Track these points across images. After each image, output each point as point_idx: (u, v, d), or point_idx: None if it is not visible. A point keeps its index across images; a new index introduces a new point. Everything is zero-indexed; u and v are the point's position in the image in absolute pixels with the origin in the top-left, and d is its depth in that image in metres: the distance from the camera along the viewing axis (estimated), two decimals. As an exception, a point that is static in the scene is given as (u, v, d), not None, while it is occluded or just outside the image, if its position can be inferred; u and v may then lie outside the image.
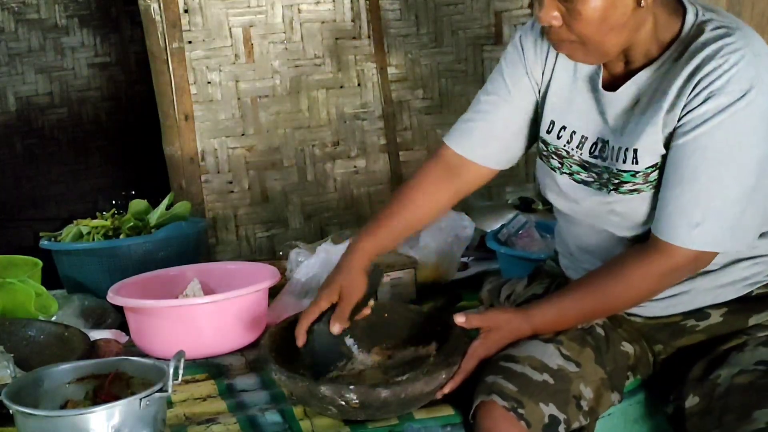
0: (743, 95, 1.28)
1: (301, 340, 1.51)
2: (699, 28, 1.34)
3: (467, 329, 1.56)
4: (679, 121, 1.33)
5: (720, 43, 1.30)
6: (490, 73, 1.62)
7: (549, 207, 2.29)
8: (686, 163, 1.32)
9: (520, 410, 1.35)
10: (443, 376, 1.43)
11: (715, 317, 1.49)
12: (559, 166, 1.51)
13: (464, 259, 2.40)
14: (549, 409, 1.37)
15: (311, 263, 2.10)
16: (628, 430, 1.59)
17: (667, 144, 1.36)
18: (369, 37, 3.25)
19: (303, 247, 2.30)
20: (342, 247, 2.14)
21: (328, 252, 2.10)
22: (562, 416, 1.37)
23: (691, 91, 1.31)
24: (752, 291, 1.48)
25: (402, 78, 3.32)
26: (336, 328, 1.51)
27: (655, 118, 1.36)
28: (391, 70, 3.29)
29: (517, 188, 3.30)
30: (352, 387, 1.39)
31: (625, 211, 1.44)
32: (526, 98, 1.56)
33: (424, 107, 3.36)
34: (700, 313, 1.50)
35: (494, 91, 1.58)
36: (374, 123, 3.31)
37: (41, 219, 4.96)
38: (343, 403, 1.38)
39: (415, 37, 3.32)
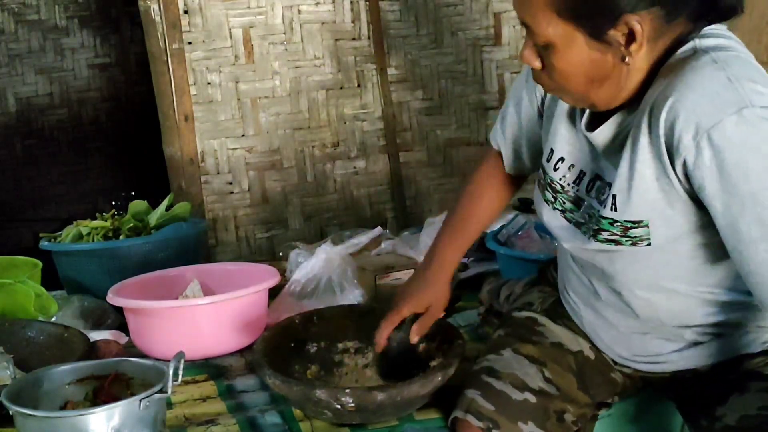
0: (735, 123, 1.11)
1: (380, 346, 1.51)
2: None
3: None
4: (686, 178, 1.17)
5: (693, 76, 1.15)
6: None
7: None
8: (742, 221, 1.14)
9: (495, 431, 1.34)
10: (439, 379, 1.42)
11: (704, 369, 1.42)
12: (553, 200, 1.41)
13: (464, 260, 2.40)
14: (528, 428, 1.36)
15: (311, 264, 2.10)
16: (627, 430, 1.59)
17: (673, 202, 1.21)
18: (369, 38, 3.25)
19: (303, 248, 2.30)
20: (341, 248, 2.15)
21: (328, 253, 2.10)
22: None
23: (670, 138, 1.16)
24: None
25: (402, 79, 3.32)
26: (416, 339, 1.52)
27: (638, 166, 1.21)
28: (390, 71, 3.29)
29: (517, 189, 3.30)
30: (347, 390, 1.38)
31: (603, 266, 1.34)
32: (536, 111, 1.49)
33: (423, 108, 3.36)
34: (688, 371, 1.43)
35: (516, 96, 1.52)
36: (374, 124, 3.30)
37: (41, 220, 4.96)
38: (338, 406, 1.37)
39: (415, 38, 3.32)
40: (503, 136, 1.56)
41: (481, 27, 3.37)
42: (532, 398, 1.38)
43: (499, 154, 1.59)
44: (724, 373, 1.39)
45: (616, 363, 1.49)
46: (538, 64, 1.24)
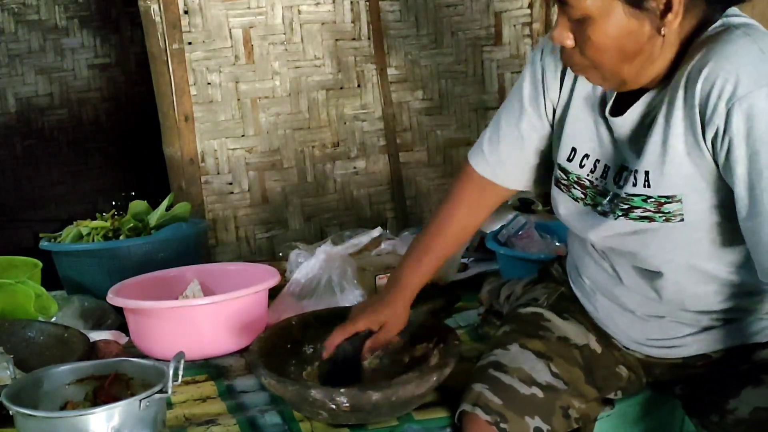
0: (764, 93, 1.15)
1: (328, 352, 1.51)
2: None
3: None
4: (713, 148, 1.20)
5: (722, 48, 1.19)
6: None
7: (549, 208, 2.29)
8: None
9: (503, 425, 1.35)
10: (434, 379, 1.42)
11: (716, 356, 1.44)
12: (583, 197, 1.41)
13: (464, 260, 2.41)
14: (534, 422, 1.36)
15: (311, 264, 2.10)
16: (628, 431, 1.59)
17: (704, 173, 1.24)
18: (369, 38, 3.25)
19: (303, 248, 2.30)
20: (341, 249, 2.15)
21: (328, 253, 2.10)
22: (546, 427, 1.37)
23: (704, 107, 1.19)
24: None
25: (402, 79, 3.32)
26: (368, 356, 1.53)
27: (671, 141, 1.24)
28: (390, 71, 3.29)
29: (517, 189, 3.30)
30: (342, 390, 1.37)
31: (636, 249, 1.34)
32: (543, 120, 1.48)
33: (423, 108, 3.36)
34: (699, 356, 1.45)
35: (513, 110, 1.50)
36: (374, 124, 3.30)
37: (41, 220, 4.97)
38: (333, 406, 1.37)
39: (415, 38, 3.31)
40: (498, 156, 1.53)
41: (482, 27, 3.36)
42: (540, 393, 1.39)
43: (479, 177, 1.57)
44: (735, 362, 1.40)
45: (628, 348, 1.51)
46: (570, 43, 1.26)
